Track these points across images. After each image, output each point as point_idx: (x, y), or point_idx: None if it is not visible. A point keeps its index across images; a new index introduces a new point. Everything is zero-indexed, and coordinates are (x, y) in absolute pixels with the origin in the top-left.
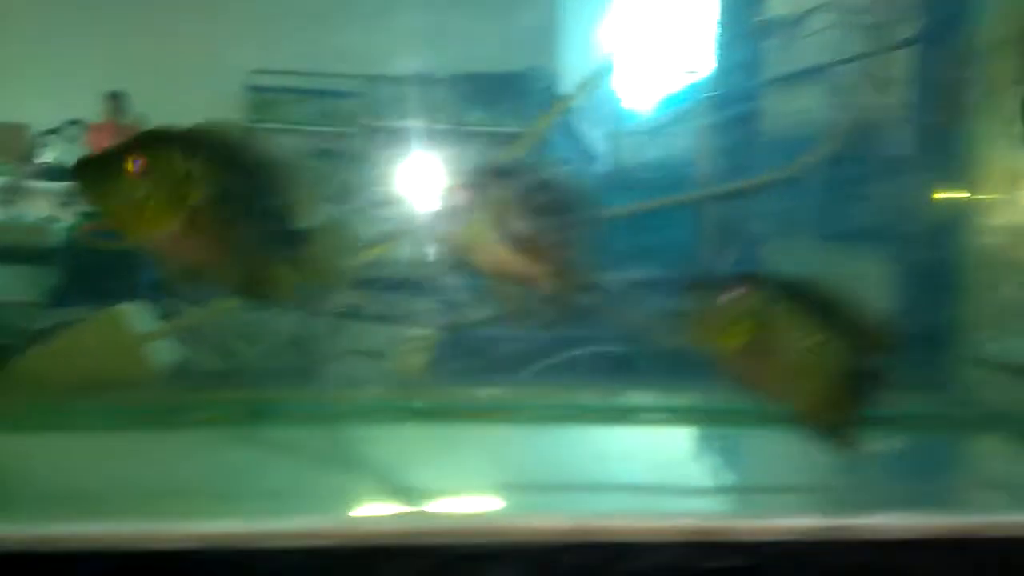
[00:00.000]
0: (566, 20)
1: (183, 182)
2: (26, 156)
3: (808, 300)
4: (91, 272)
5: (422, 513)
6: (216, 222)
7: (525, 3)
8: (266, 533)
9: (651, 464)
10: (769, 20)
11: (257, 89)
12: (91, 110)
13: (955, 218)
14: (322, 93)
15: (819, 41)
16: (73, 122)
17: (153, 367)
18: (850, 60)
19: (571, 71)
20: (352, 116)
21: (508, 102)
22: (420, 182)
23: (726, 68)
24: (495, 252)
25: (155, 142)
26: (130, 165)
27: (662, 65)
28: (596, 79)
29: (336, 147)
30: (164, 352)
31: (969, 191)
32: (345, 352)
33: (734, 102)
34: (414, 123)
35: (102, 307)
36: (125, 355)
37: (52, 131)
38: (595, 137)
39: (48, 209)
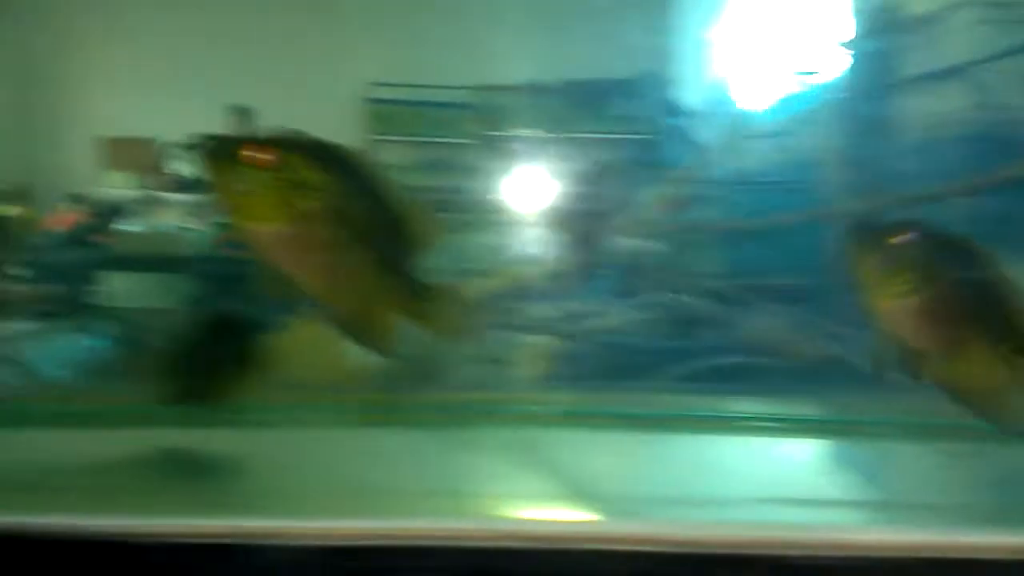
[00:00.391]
0: (680, 23)
1: (298, 187)
2: (157, 169)
3: (975, 259)
4: (226, 280)
5: (746, 523)
6: (325, 240)
7: (638, 8)
8: (593, 535)
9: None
10: (905, 17)
11: (376, 101)
12: (218, 124)
13: None
14: (439, 104)
15: (961, 38)
16: (203, 136)
17: (354, 368)
18: (997, 57)
19: (686, 74)
20: (469, 127)
21: (621, 108)
22: (536, 191)
23: (855, 68)
24: None
25: (284, 142)
26: (252, 155)
27: (781, 66)
28: None
29: (453, 158)
30: (358, 354)
31: None
32: (470, 358)
33: (864, 103)
34: (530, 132)
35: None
36: (327, 356)
37: (183, 145)
38: (712, 142)
39: (180, 219)
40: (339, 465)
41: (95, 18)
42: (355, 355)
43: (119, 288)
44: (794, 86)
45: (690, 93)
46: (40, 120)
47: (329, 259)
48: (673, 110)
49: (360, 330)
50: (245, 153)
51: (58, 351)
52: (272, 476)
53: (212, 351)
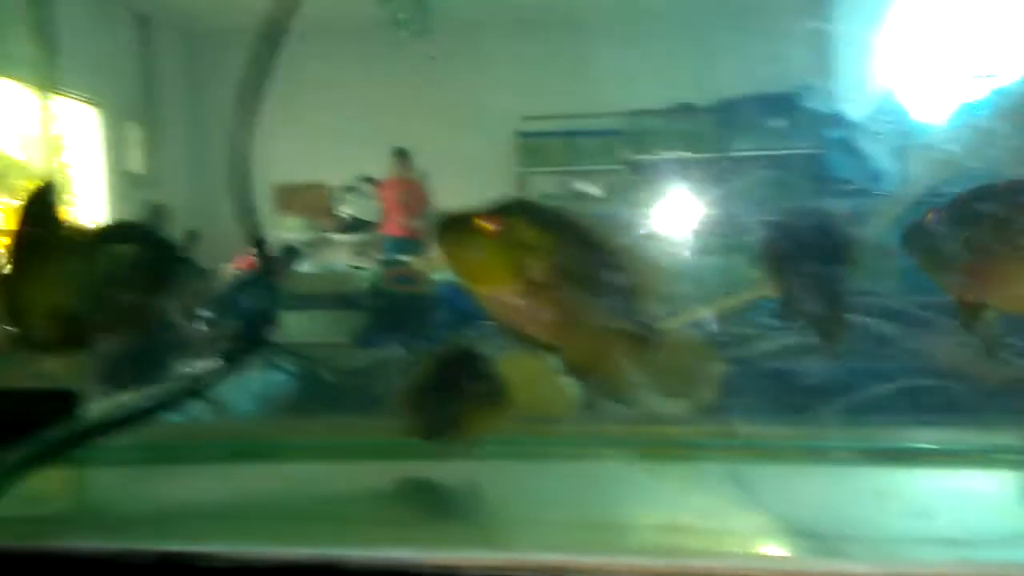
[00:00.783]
0: (841, 32)
1: (526, 250)
2: (327, 212)
3: None
4: (392, 314)
5: None
6: (554, 295)
7: (796, 20)
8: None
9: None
10: None
11: (526, 135)
12: (380, 167)
13: None
14: (587, 133)
15: None
16: (366, 179)
17: (571, 400)
18: None
19: (848, 84)
20: (617, 153)
21: (778, 124)
22: (693, 215)
23: None
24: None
25: (510, 210)
26: (483, 226)
27: (953, 70)
28: None
29: (602, 185)
30: (571, 386)
31: None
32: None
33: None
34: (679, 155)
35: (403, 346)
36: (546, 388)
37: (349, 188)
38: (880, 154)
39: (348, 259)
40: (566, 497)
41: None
42: (568, 387)
43: (296, 325)
44: (972, 91)
45: (855, 104)
46: (218, 168)
47: (558, 312)
48: (837, 123)
49: (593, 377)
50: (474, 223)
51: (246, 387)
52: (507, 507)
53: (457, 385)
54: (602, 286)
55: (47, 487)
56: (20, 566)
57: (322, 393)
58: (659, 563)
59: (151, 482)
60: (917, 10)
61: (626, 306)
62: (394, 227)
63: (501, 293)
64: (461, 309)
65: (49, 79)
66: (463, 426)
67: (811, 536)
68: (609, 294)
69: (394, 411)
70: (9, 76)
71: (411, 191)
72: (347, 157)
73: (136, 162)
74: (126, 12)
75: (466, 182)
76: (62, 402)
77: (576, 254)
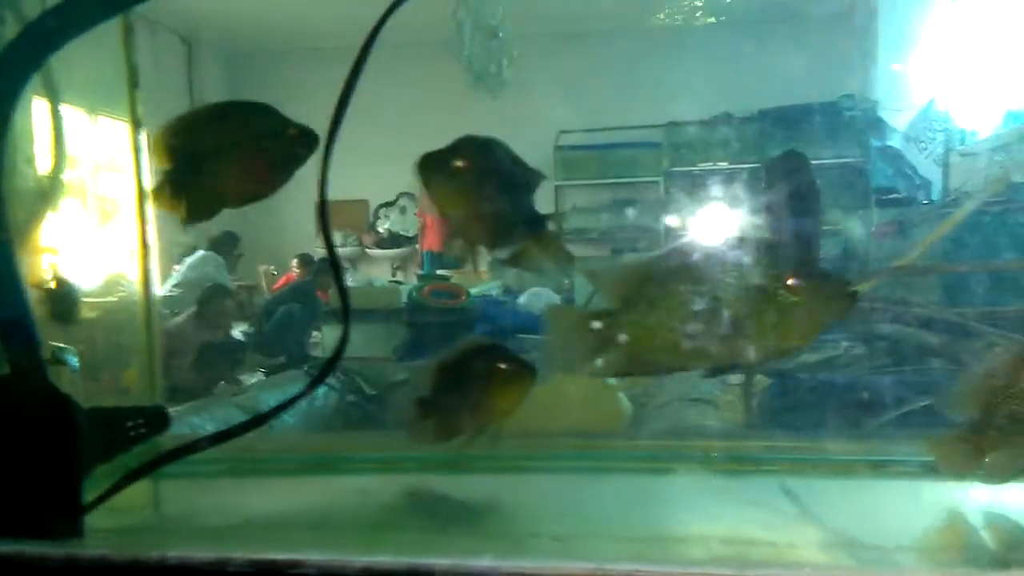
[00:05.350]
0: (883, 41)
1: None
2: (367, 227)
3: None
4: (430, 328)
5: None
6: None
7: (837, 30)
8: None
9: None
10: None
11: (563, 148)
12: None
13: None
14: (622, 146)
15: None
16: (404, 194)
17: (623, 417)
18: None
19: (888, 93)
20: (651, 165)
21: (816, 133)
22: (722, 225)
23: None
24: None
25: None
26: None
27: (998, 78)
28: None
29: (637, 197)
30: (623, 404)
31: None
32: (675, 400)
33: None
34: (716, 165)
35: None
36: (600, 404)
37: (388, 204)
38: (924, 162)
39: (388, 274)
40: (623, 510)
41: (318, 93)
42: (621, 404)
43: (334, 339)
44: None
45: (898, 113)
46: None
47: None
48: (880, 132)
49: None
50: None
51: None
52: (544, 520)
53: (465, 382)
54: None
55: (126, 498)
56: (117, 574)
57: (362, 406)
58: (720, 571)
59: (223, 493)
60: (962, 18)
61: None
62: (433, 242)
63: None
64: (499, 323)
65: (133, 108)
66: (477, 420)
67: (866, 547)
68: None
69: (404, 421)
70: (93, 108)
71: None
72: (389, 173)
73: None
74: (170, 33)
75: None
76: (156, 419)
77: None
